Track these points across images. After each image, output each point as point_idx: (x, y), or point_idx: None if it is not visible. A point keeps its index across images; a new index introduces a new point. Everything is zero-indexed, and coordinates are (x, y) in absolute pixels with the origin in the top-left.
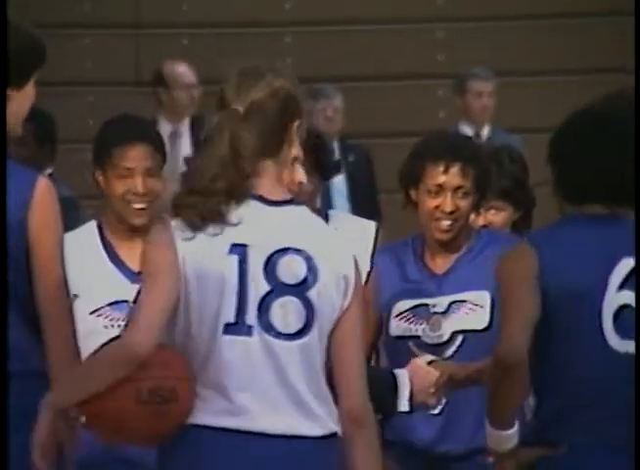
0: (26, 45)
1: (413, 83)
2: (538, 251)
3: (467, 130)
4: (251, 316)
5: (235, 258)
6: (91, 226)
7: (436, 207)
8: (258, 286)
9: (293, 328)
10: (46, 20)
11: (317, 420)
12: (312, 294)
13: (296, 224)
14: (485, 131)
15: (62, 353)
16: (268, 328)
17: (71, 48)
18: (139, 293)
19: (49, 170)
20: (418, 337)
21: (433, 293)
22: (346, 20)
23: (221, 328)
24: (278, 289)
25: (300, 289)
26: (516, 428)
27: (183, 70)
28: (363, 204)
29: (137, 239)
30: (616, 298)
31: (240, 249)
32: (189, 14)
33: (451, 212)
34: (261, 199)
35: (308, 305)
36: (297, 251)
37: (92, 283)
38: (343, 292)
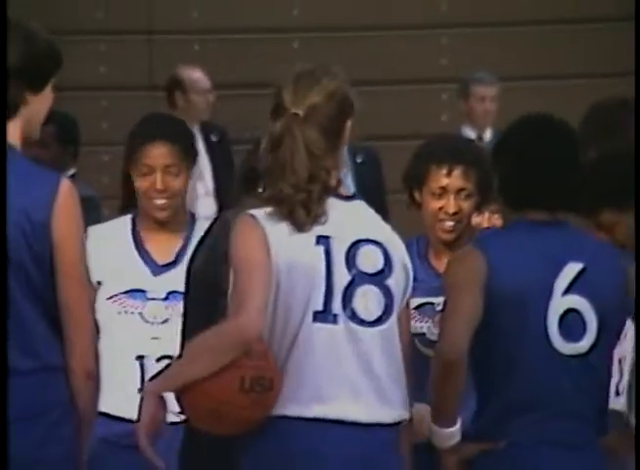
0: (44, 51)
1: (418, 88)
2: (485, 254)
3: (469, 133)
4: (337, 305)
5: (322, 249)
6: (125, 219)
7: (440, 208)
8: (341, 276)
9: (374, 315)
10: (62, 27)
11: (394, 407)
12: (390, 282)
13: (366, 217)
14: (488, 134)
15: (85, 350)
16: (352, 316)
17: (87, 54)
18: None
19: (72, 171)
20: (423, 334)
21: (437, 291)
22: (352, 26)
23: (310, 316)
24: (358, 278)
25: (379, 278)
26: (458, 425)
27: (199, 76)
28: (371, 203)
29: (163, 232)
30: (561, 302)
31: (324, 240)
32: (200, 20)
33: (454, 214)
34: (336, 194)
35: (387, 293)
36: (374, 242)
37: (115, 270)
38: (407, 280)
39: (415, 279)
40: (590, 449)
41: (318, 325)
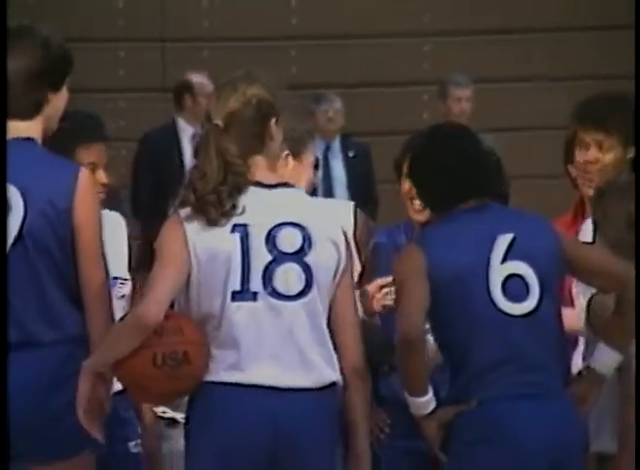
0: (60, 53)
1: (402, 89)
2: (423, 249)
3: None
4: (256, 284)
5: (237, 236)
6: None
7: (410, 189)
8: (262, 257)
9: (295, 290)
10: (85, 35)
11: (319, 373)
12: (309, 259)
13: (289, 202)
14: None
15: (102, 322)
16: (272, 292)
17: (107, 59)
18: (151, 274)
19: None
20: None
21: None
22: (345, 34)
23: (229, 296)
24: (279, 258)
25: (299, 256)
26: (430, 395)
27: (206, 80)
28: (361, 192)
29: None
30: (501, 269)
31: (241, 228)
32: (209, 30)
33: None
34: (258, 184)
35: (307, 269)
36: (293, 224)
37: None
38: (335, 256)
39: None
40: (555, 399)
41: (237, 304)
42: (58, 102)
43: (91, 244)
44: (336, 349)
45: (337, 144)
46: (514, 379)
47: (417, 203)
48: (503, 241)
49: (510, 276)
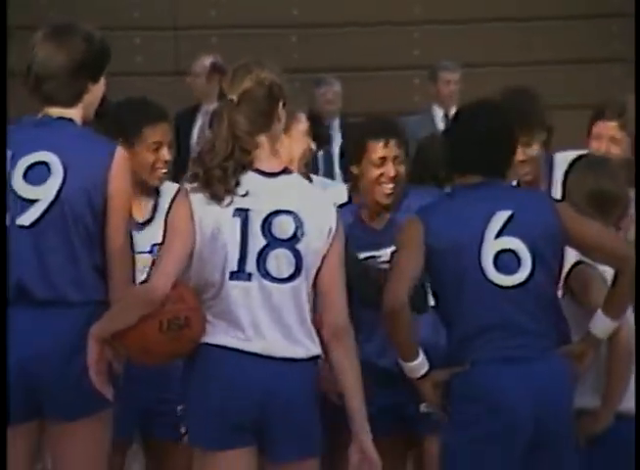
0: (100, 47)
1: (395, 73)
2: (423, 220)
3: (438, 111)
4: (251, 265)
5: (238, 220)
6: None
7: (381, 174)
8: (257, 241)
9: (285, 274)
10: (105, 24)
11: (302, 347)
12: (300, 246)
13: (286, 191)
14: (452, 112)
15: (122, 288)
16: (265, 274)
17: (125, 46)
18: (161, 246)
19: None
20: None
21: (376, 246)
22: (342, 23)
23: (228, 275)
24: (272, 243)
25: (291, 243)
26: (420, 359)
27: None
28: None
29: (138, 198)
30: (494, 244)
31: (242, 213)
32: (217, 18)
33: (394, 177)
34: (259, 171)
35: (297, 256)
36: (288, 212)
37: None
38: (326, 242)
39: (352, 235)
40: (542, 360)
41: (234, 283)
42: (97, 91)
43: (119, 214)
44: (323, 310)
45: (336, 124)
46: (502, 343)
47: (388, 186)
48: (500, 217)
49: (503, 251)
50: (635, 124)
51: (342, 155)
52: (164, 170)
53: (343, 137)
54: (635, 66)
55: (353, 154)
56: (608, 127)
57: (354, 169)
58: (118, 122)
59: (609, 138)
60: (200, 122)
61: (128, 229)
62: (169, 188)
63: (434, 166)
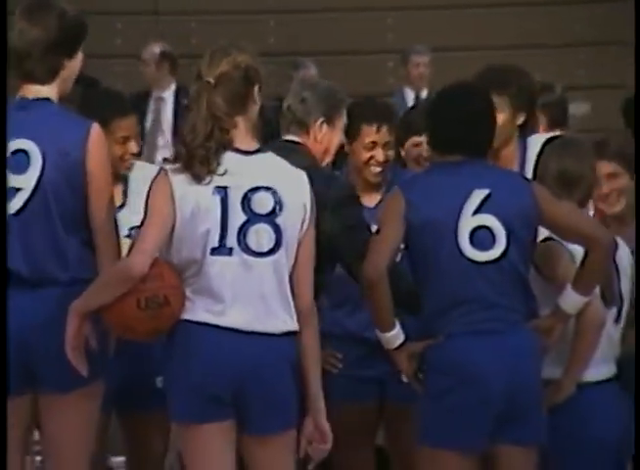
0: (75, 23)
1: (370, 57)
2: (405, 194)
3: (409, 93)
4: (232, 241)
5: (218, 198)
6: None
7: (371, 157)
8: (237, 217)
9: (265, 248)
10: (86, 7)
11: (282, 321)
12: (279, 220)
13: (264, 167)
14: (424, 94)
15: (110, 264)
16: (245, 249)
17: (105, 29)
18: (141, 225)
19: None
20: None
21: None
22: (319, 9)
23: (208, 250)
24: (253, 219)
25: (270, 217)
26: (396, 330)
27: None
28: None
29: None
30: (471, 221)
31: (222, 191)
32: (197, 3)
33: (384, 162)
34: (237, 150)
35: (277, 230)
36: (266, 188)
37: None
38: (302, 217)
39: None
40: (514, 332)
41: (215, 257)
42: (73, 67)
43: (101, 192)
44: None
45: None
46: (475, 317)
47: (376, 169)
48: (478, 195)
49: (479, 227)
50: (635, 119)
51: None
52: (132, 161)
53: None
54: (635, 51)
55: (348, 133)
56: None
57: (347, 147)
58: (87, 114)
59: None
60: (152, 107)
61: (111, 206)
62: (140, 173)
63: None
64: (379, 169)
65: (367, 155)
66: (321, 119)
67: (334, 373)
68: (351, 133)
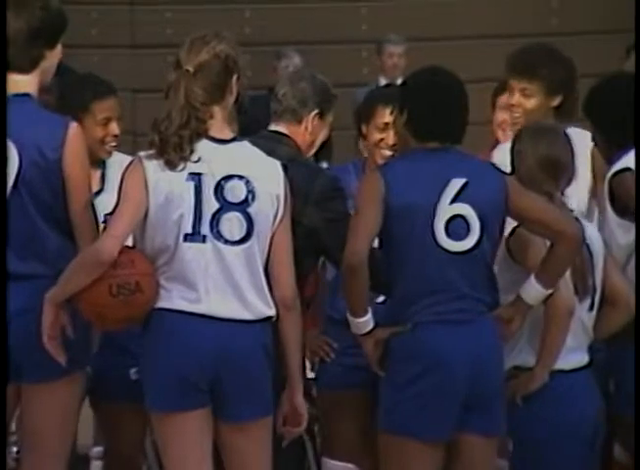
0: (56, 15)
1: (345, 47)
2: (384, 176)
3: (384, 83)
4: (205, 228)
5: (191, 184)
6: None
7: (381, 139)
8: (210, 205)
9: (237, 236)
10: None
11: (255, 308)
12: (251, 210)
13: (238, 156)
14: (397, 83)
15: None
16: (218, 237)
17: (80, 19)
18: (113, 212)
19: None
20: None
21: None
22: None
23: (182, 237)
24: (225, 207)
25: (243, 206)
26: (368, 316)
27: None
28: None
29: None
30: (448, 209)
31: (196, 177)
32: None
33: (393, 145)
34: (212, 139)
35: (249, 219)
36: (239, 177)
37: None
38: (276, 207)
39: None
40: (480, 322)
41: (188, 244)
42: (53, 58)
43: (80, 191)
44: (271, 283)
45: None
46: (443, 307)
47: (386, 152)
48: (455, 184)
49: (455, 216)
50: (635, 115)
51: (357, 116)
52: (114, 144)
53: None
54: (635, 44)
55: (364, 115)
56: None
57: (364, 129)
58: (66, 97)
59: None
60: None
61: (90, 203)
62: (116, 158)
63: None
64: (389, 153)
65: (378, 136)
66: (315, 111)
67: (328, 362)
68: (365, 115)
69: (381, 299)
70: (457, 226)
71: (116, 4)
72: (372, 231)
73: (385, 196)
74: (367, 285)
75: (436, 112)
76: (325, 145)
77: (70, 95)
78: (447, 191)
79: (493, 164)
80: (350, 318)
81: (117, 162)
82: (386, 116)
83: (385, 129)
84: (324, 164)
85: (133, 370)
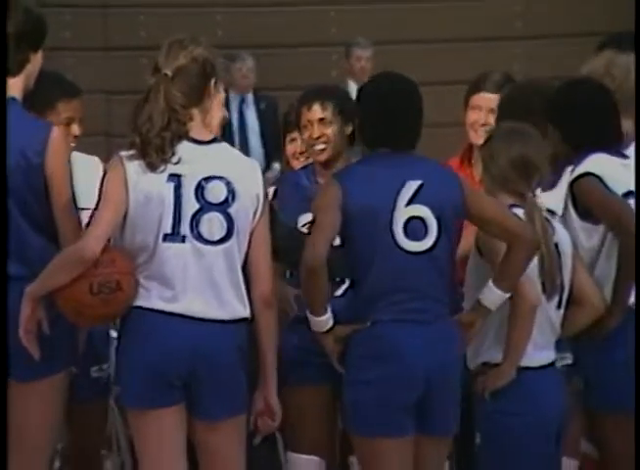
0: (39, 18)
1: (314, 50)
2: (341, 183)
3: (353, 86)
4: (185, 228)
5: (171, 185)
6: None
7: (309, 136)
8: (191, 205)
9: (217, 236)
10: (37, 1)
11: (232, 308)
12: (232, 210)
13: (218, 157)
14: None
15: None
16: (198, 237)
17: (54, 22)
18: (95, 210)
19: None
20: None
21: None
22: (266, 3)
23: (161, 237)
24: (205, 207)
25: (223, 207)
26: (328, 314)
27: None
28: (270, 141)
29: None
30: (405, 211)
31: (175, 178)
32: None
33: (318, 137)
34: (193, 140)
35: (229, 219)
36: (220, 178)
37: None
38: (255, 207)
39: (308, 198)
40: (439, 323)
41: (168, 244)
42: (36, 61)
43: (62, 192)
44: (250, 281)
45: (250, 98)
46: (403, 306)
47: (317, 147)
48: (411, 186)
49: (412, 218)
50: (635, 114)
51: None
52: (73, 144)
53: (257, 110)
54: (635, 45)
55: (295, 121)
56: (487, 99)
57: (295, 134)
58: (32, 96)
59: (488, 110)
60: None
61: (72, 203)
62: (76, 158)
63: None
64: (320, 147)
65: (306, 134)
66: None
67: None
68: (297, 120)
69: (340, 292)
70: (415, 227)
71: (90, 7)
72: (330, 235)
73: (342, 202)
74: (326, 285)
75: (387, 119)
76: (278, 146)
77: (38, 93)
78: (403, 193)
79: (449, 167)
80: (310, 317)
81: (76, 161)
82: (304, 114)
83: (309, 126)
84: (276, 166)
85: (94, 368)
